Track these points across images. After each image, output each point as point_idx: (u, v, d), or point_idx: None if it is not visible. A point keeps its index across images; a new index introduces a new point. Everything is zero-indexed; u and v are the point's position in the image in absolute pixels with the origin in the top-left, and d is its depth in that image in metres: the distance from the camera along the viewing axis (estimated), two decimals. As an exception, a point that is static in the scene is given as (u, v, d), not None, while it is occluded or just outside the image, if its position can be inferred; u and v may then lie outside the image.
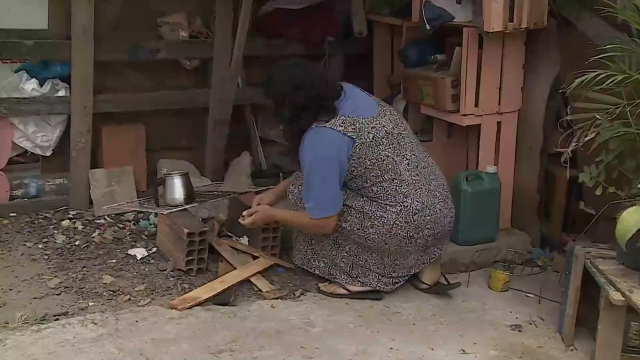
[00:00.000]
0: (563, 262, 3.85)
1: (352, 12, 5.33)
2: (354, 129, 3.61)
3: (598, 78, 3.21)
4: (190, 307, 3.61)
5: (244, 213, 3.96)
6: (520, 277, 4.10)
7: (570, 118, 3.65)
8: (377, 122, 3.68)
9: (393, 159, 3.66)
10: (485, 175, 4.26)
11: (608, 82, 3.20)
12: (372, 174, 3.64)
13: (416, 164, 3.72)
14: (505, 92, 4.33)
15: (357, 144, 3.60)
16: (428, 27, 4.31)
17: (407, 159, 3.70)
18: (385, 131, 3.67)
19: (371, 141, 3.62)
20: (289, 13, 5.17)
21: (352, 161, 3.62)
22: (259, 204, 4.01)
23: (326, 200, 3.64)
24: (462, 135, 4.62)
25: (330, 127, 3.60)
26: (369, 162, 3.63)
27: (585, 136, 3.34)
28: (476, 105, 4.29)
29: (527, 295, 3.95)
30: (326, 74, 3.94)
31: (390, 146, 3.67)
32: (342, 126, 3.60)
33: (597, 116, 3.31)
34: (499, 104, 4.34)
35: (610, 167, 3.38)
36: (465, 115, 4.28)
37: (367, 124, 3.64)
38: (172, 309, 3.58)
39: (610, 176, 3.37)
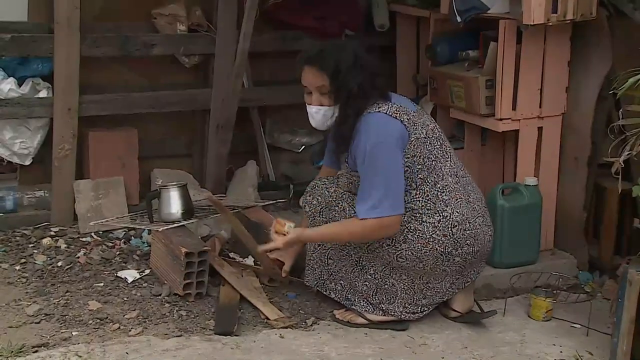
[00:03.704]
0: (615, 288, 3.83)
1: (372, 2, 5.32)
2: (408, 119, 3.62)
3: (655, 78, 3.20)
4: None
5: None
6: (565, 305, 4.08)
7: (623, 123, 3.64)
8: (423, 118, 3.71)
9: (439, 161, 3.67)
10: (524, 189, 4.25)
11: (667, 82, 3.19)
12: (420, 175, 3.64)
13: (456, 171, 3.74)
14: (547, 94, 4.33)
15: (412, 139, 3.60)
16: (459, 19, 4.31)
17: (449, 164, 3.71)
18: (431, 129, 3.70)
19: (425, 137, 3.64)
20: (301, 2, 5.19)
21: (406, 159, 3.61)
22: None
23: (393, 194, 3.56)
24: (498, 142, 4.63)
25: (386, 113, 3.60)
26: (422, 161, 3.64)
27: (640, 144, 3.34)
28: (514, 108, 4.29)
29: (573, 326, 3.93)
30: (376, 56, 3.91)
31: (439, 147, 3.69)
32: (396, 113, 3.61)
33: (654, 121, 3.30)
34: (540, 107, 4.35)
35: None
36: (501, 119, 4.29)
37: (417, 117, 3.67)
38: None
39: (669, 190, 3.35)
